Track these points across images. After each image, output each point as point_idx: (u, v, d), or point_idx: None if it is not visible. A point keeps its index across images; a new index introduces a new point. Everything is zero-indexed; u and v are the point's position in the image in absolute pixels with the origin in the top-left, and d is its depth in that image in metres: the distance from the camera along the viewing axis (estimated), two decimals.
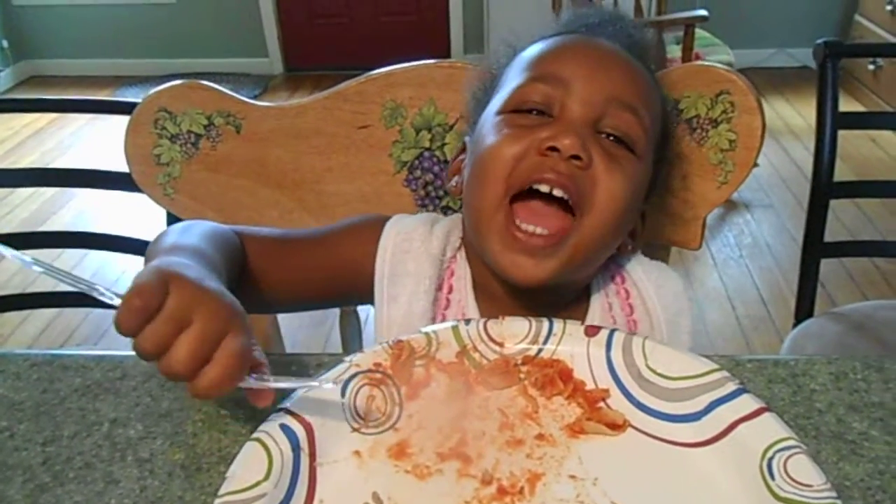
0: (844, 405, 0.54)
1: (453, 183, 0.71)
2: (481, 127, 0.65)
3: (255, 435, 0.48)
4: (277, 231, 0.72)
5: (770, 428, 0.48)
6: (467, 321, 0.58)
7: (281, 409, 0.50)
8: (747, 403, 0.50)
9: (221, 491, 0.45)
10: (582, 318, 0.68)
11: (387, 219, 0.70)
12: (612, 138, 0.61)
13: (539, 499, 0.47)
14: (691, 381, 0.52)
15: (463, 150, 0.71)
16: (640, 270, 0.70)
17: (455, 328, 0.57)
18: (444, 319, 0.67)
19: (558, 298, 0.67)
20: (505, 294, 0.65)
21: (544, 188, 0.59)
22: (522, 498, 0.47)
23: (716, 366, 0.53)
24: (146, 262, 0.54)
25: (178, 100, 0.80)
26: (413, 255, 0.67)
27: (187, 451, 0.52)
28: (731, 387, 0.51)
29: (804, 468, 0.45)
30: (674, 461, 0.49)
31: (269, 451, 0.47)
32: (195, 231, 0.58)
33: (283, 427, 0.49)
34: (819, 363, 0.58)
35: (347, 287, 0.69)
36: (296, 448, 0.48)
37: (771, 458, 0.46)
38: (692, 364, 0.53)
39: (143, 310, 0.43)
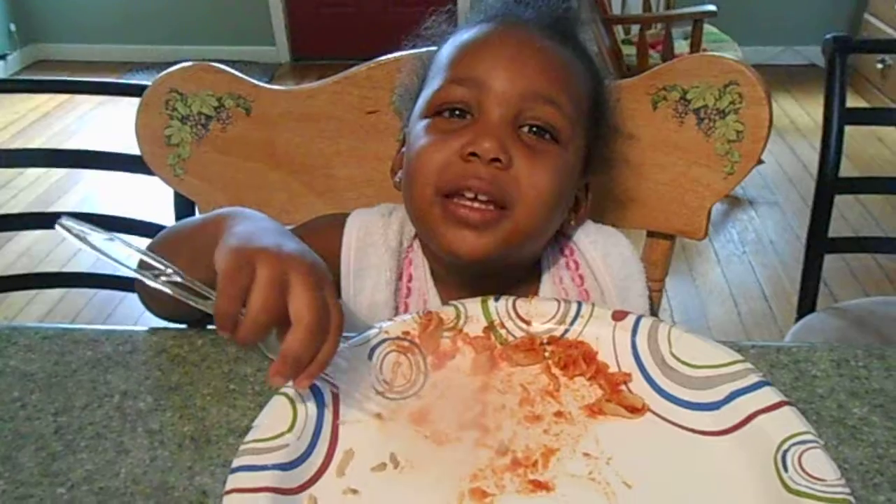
0: (845, 391, 0.55)
1: (397, 179, 0.72)
2: (411, 130, 0.67)
3: (282, 390, 0.50)
4: None
5: (789, 421, 0.48)
6: (497, 298, 0.59)
7: None
8: (768, 396, 0.50)
9: (247, 439, 0.46)
10: (534, 294, 0.69)
11: (344, 216, 0.72)
12: (534, 129, 0.63)
13: (551, 472, 0.48)
14: (714, 370, 0.52)
15: (404, 143, 0.72)
16: (588, 241, 0.72)
17: (484, 303, 0.59)
18: (406, 307, 0.69)
19: (509, 276, 0.70)
20: (459, 276, 0.68)
21: (469, 195, 0.61)
22: (535, 470, 0.48)
23: (739, 357, 0.53)
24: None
25: (189, 81, 0.81)
26: (374, 248, 0.69)
27: (196, 424, 0.53)
28: (754, 378, 0.51)
29: (819, 462, 0.45)
30: (688, 447, 0.50)
31: (295, 405, 0.49)
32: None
33: (310, 385, 0.50)
34: (821, 350, 0.59)
35: None
36: (320, 405, 0.50)
37: (786, 451, 0.46)
38: (716, 353, 0.53)
39: (237, 296, 0.45)
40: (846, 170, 1.17)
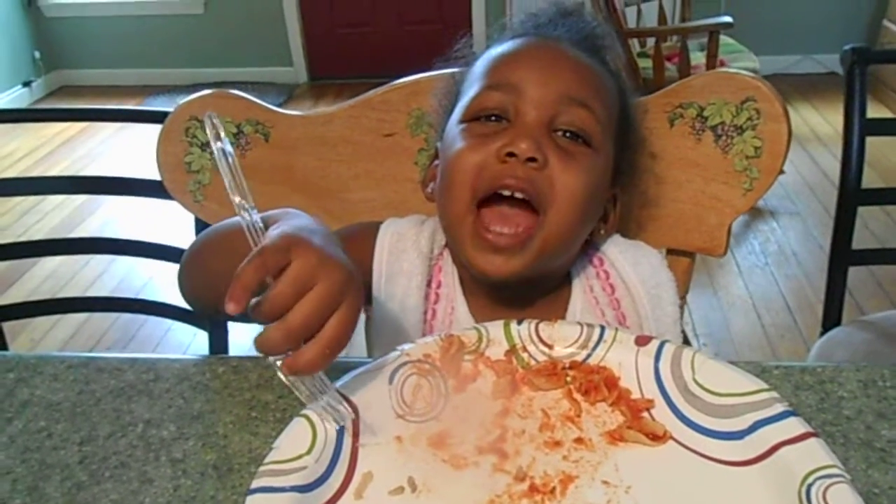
0: (873, 412, 0.54)
1: (429, 189, 0.73)
2: (447, 136, 0.69)
3: (302, 412, 0.50)
4: None
5: (814, 453, 0.46)
6: (519, 321, 0.59)
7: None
8: (794, 426, 0.48)
9: (266, 460, 0.47)
10: (564, 304, 0.71)
11: (378, 224, 0.73)
12: (568, 135, 0.65)
13: (569, 500, 0.47)
14: (738, 398, 0.51)
15: (436, 156, 0.74)
16: (617, 251, 0.73)
17: (507, 326, 0.59)
18: (434, 313, 0.71)
19: (539, 286, 0.71)
20: (488, 286, 0.69)
21: (507, 193, 0.63)
22: (553, 498, 0.47)
23: (765, 385, 0.52)
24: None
25: (209, 109, 0.81)
26: (406, 253, 0.70)
27: (219, 452, 0.53)
28: (779, 408, 0.50)
29: (845, 498, 0.43)
30: (710, 477, 0.48)
31: (315, 427, 0.49)
32: None
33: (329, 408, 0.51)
34: (847, 370, 0.58)
35: None
36: (340, 428, 0.50)
37: (811, 485, 0.45)
38: (740, 381, 0.52)
39: (261, 268, 0.44)
40: (868, 178, 1.16)
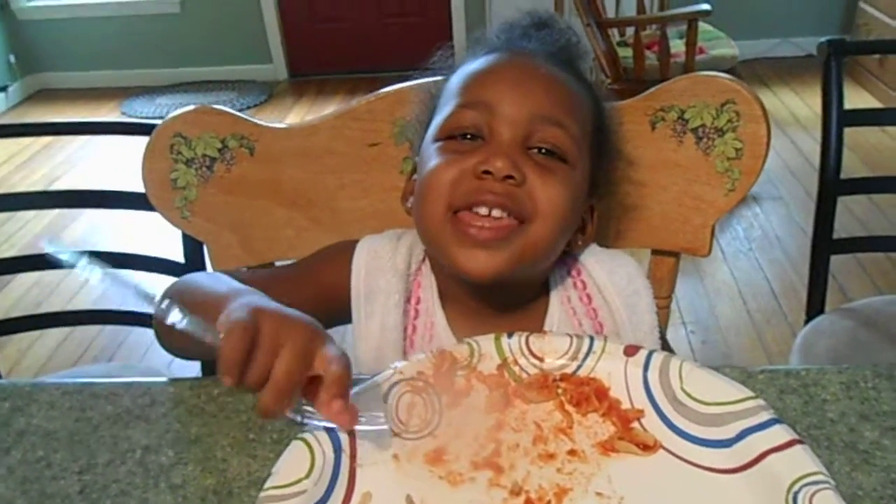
0: (856, 414, 0.56)
1: (408, 204, 0.74)
2: (423, 153, 0.69)
3: (300, 435, 0.51)
4: (259, 272, 0.79)
5: (800, 461, 0.48)
6: (510, 334, 0.60)
7: None
8: (780, 434, 0.50)
9: (266, 485, 0.48)
10: (542, 314, 0.72)
11: (354, 243, 0.74)
12: (543, 152, 0.65)
13: None
14: (725, 407, 0.53)
15: (414, 170, 0.74)
16: (594, 261, 0.73)
17: (498, 340, 0.59)
18: (414, 329, 0.71)
19: (518, 296, 0.72)
20: (468, 297, 0.70)
21: (483, 210, 0.63)
22: None
23: (751, 393, 0.53)
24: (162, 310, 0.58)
25: (193, 125, 0.82)
26: (382, 272, 0.71)
27: (218, 477, 0.54)
28: (765, 416, 0.51)
29: None
30: (700, 485, 0.50)
31: (313, 450, 0.51)
32: (218, 278, 0.63)
33: (328, 429, 0.52)
34: (830, 373, 0.59)
35: (330, 311, 0.72)
36: (337, 449, 0.51)
37: (797, 492, 0.46)
38: (727, 390, 0.54)
39: (245, 341, 0.47)
40: (849, 162, 1.17)
